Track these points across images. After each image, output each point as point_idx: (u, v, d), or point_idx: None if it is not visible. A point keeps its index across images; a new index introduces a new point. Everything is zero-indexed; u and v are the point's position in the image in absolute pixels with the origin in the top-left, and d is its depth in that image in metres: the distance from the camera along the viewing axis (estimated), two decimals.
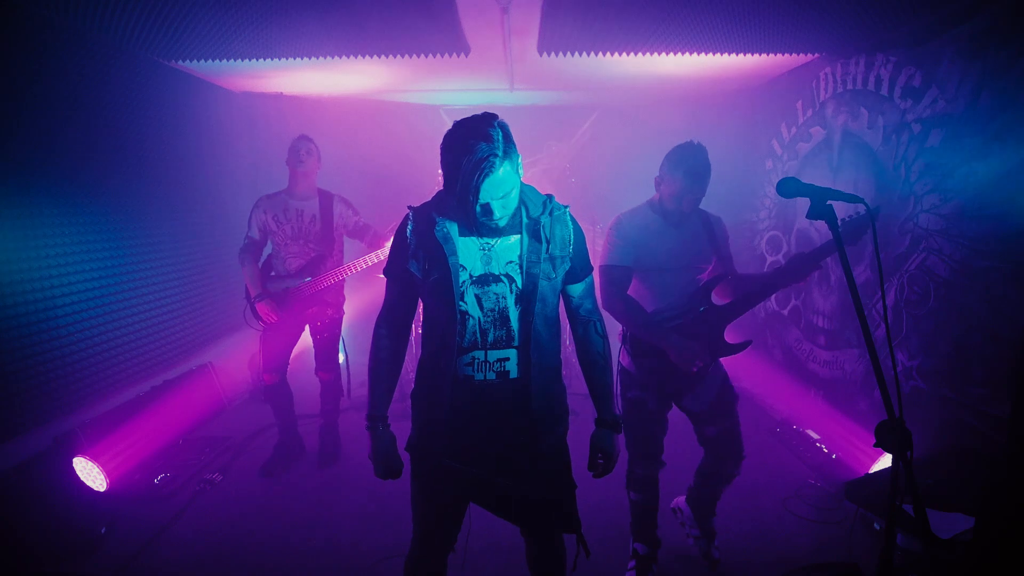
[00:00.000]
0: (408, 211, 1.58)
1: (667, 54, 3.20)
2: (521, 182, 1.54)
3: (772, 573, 2.35)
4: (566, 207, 1.60)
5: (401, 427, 1.67)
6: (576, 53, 3.21)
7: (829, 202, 1.37)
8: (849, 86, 3.19)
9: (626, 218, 2.19)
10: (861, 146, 3.11)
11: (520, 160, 1.46)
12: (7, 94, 2.53)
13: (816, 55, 3.39)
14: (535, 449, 1.55)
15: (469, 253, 1.50)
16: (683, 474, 2.48)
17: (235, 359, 4.41)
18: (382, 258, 3.08)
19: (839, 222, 1.43)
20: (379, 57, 3.28)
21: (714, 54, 3.19)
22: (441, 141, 1.42)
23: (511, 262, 1.51)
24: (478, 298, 1.49)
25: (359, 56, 3.27)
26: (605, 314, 1.91)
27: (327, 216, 3.18)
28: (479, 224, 1.47)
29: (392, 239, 1.63)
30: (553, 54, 3.25)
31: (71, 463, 2.70)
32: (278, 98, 4.74)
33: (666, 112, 5.20)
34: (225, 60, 3.23)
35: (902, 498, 1.32)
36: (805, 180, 1.42)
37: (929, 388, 2.66)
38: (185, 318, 3.88)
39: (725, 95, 4.63)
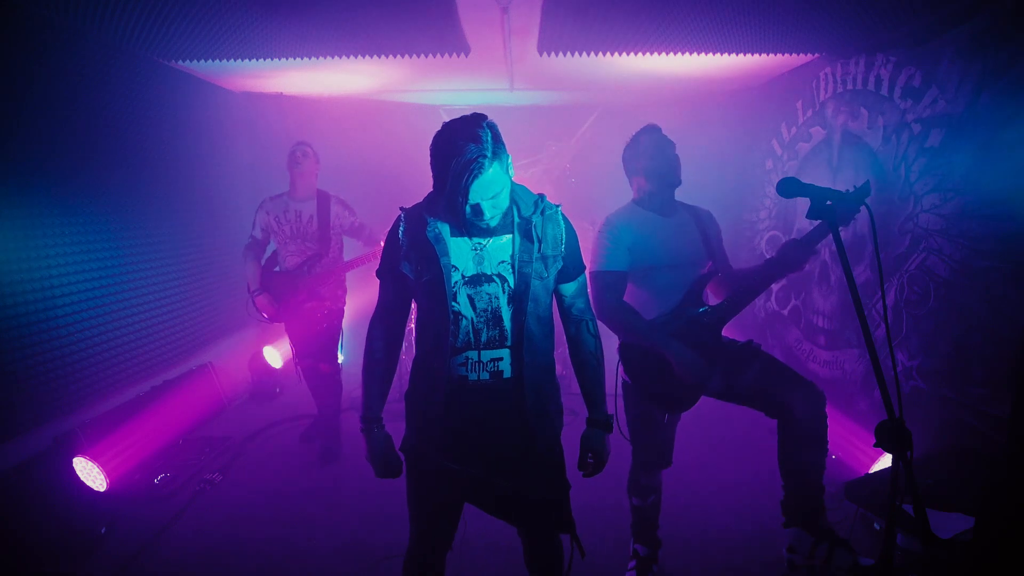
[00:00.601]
0: (400, 212, 1.58)
1: (667, 54, 3.19)
2: (512, 182, 1.54)
3: (772, 573, 2.35)
4: (558, 206, 1.60)
5: (397, 427, 1.67)
6: (576, 53, 3.21)
7: (829, 202, 1.37)
8: (849, 86, 3.19)
9: (616, 218, 2.13)
10: (861, 146, 3.10)
11: (510, 161, 1.46)
12: (7, 94, 2.53)
13: (816, 55, 3.39)
14: (529, 449, 1.55)
15: (461, 253, 1.50)
16: (683, 475, 2.48)
17: (235, 359, 4.41)
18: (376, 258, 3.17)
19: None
20: (379, 57, 3.28)
21: (714, 54, 3.19)
22: (430, 142, 1.42)
23: (503, 262, 1.51)
24: (471, 298, 1.49)
25: (359, 56, 3.27)
26: (600, 324, 1.86)
27: (324, 216, 3.32)
28: (469, 225, 1.48)
29: (385, 240, 1.64)
30: (553, 54, 3.25)
31: (71, 463, 2.70)
32: (278, 98, 4.74)
33: (666, 112, 5.19)
34: (225, 60, 3.23)
35: (902, 498, 1.32)
36: (805, 180, 1.42)
37: (929, 388, 2.66)
38: (185, 318, 3.88)
39: (725, 95, 4.62)
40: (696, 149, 3.07)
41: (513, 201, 1.53)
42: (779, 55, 3.31)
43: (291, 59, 3.27)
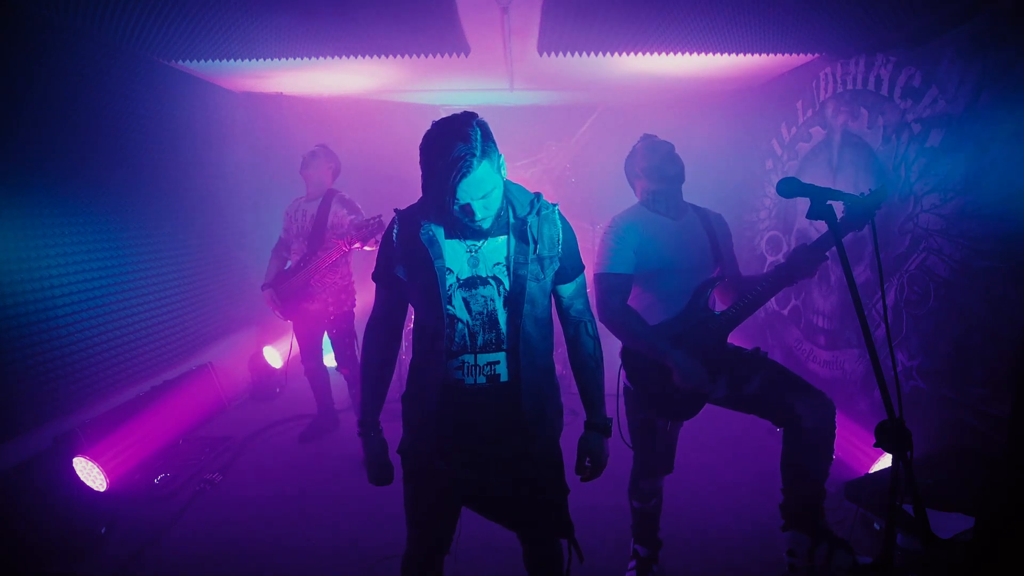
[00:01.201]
0: (394, 214, 1.56)
1: (667, 54, 3.20)
2: (508, 181, 1.51)
3: (772, 574, 2.35)
4: (554, 205, 1.56)
5: (394, 427, 1.67)
6: (576, 53, 3.21)
7: (829, 202, 1.37)
8: (849, 86, 3.19)
9: (621, 219, 2.09)
10: (861, 146, 3.11)
11: (503, 160, 1.43)
12: (7, 94, 2.53)
13: (816, 55, 3.39)
14: (527, 452, 1.53)
15: (456, 256, 1.47)
16: (683, 475, 2.48)
17: (235, 359, 4.41)
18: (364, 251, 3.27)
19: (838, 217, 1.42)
20: (379, 57, 3.28)
21: (714, 54, 3.19)
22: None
23: (498, 264, 1.48)
24: (466, 301, 1.46)
25: (359, 56, 3.27)
26: (602, 328, 1.82)
27: (321, 216, 3.35)
28: (460, 226, 1.44)
29: (380, 243, 1.62)
30: (553, 54, 3.25)
31: (71, 463, 2.70)
32: (278, 98, 4.74)
33: (666, 112, 5.20)
34: (225, 60, 3.23)
35: (902, 498, 1.32)
36: (805, 180, 1.42)
37: (929, 388, 2.66)
38: (185, 318, 3.88)
39: (725, 95, 4.62)
40: (696, 149, 3.06)
41: (508, 201, 1.51)
42: (779, 55, 3.31)
43: (291, 59, 3.27)
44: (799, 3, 2.51)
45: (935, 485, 2.17)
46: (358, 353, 3.58)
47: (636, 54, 3.21)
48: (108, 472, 2.86)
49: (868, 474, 2.61)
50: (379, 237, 2.95)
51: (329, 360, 4.57)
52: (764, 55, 3.26)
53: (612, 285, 2.02)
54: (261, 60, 3.24)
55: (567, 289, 1.61)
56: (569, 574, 1.68)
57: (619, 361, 2.13)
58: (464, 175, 1.32)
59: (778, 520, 2.16)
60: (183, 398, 3.69)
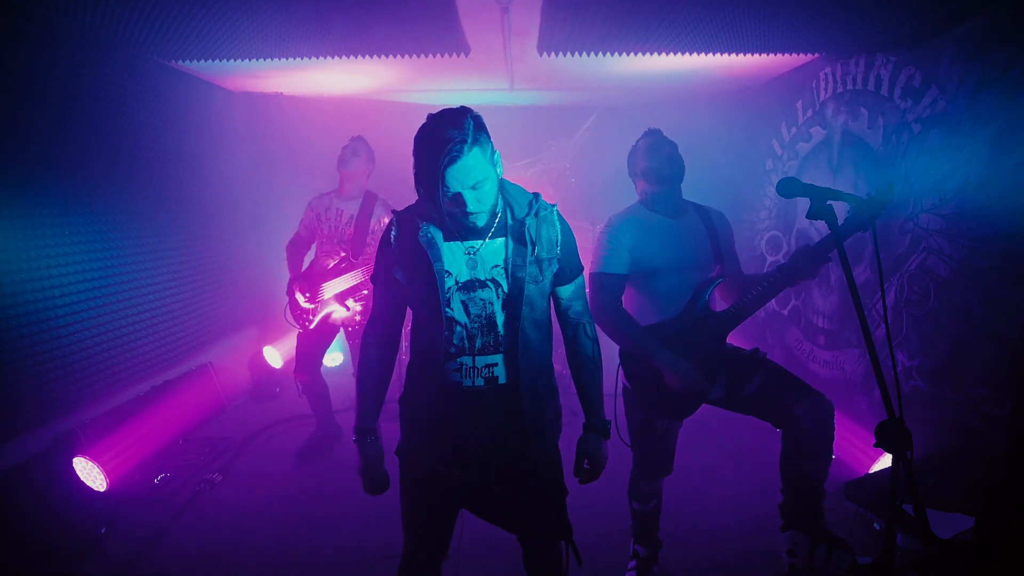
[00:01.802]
0: (392, 215, 1.55)
1: (667, 54, 3.19)
2: (506, 182, 1.51)
3: (772, 573, 2.35)
4: (553, 206, 1.55)
5: (392, 428, 1.66)
6: (576, 53, 3.21)
7: (829, 202, 1.37)
8: (849, 86, 3.19)
9: (618, 219, 2.09)
10: (861, 146, 3.10)
11: (498, 157, 1.42)
12: (6, 93, 2.53)
13: (816, 55, 3.39)
14: (525, 454, 1.52)
15: (454, 258, 1.47)
16: (683, 475, 2.48)
17: (235, 359, 4.41)
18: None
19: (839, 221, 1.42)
20: (379, 57, 3.28)
21: (714, 54, 3.19)
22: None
23: (496, 266, 1.47)
24: (464, 304, 1.46)
25: (359, 56, 3.27)
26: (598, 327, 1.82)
27: (363, 219, 3.16)
28: (456, 225, 1.43)
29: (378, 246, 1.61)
30: (553, 54, 3.25)
31: (71, 463, 2.70)
32: (278, 98, 4.74)
33: (666, 112, 5.20)
34: (225, 60, 3.22)
35: (902, 498, 1.32)
36: (805, 180, 1.42)
37: (929, 388, 2.66)
38: (185, 318, 3.88)
39: (725, 95, 4.62)
40: (696, 149, 3.05)
41: (506, 203, 1.50)
42: (779, 55, 3.31)
43: (291, 59, 3.27)
44: (799, 3, 2.51)
45: (935, 485, 2.17)
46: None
47: (636, 54, 3.20)
48: (108, 472, 2.86)
49: (868, 474, 2.62)
50: None
51: (329, 360, 4.58)
52: (764, 55, 3.26)
53: (604, 284, 2.03)
54: (261, 60, 3.23)
55: (566, 291, 1.60)
56: (568, 574, 1.68)
57: (618, 361, 2.13)
58: (453, 159, 1.31)
59: (778, 520, 2.16)
60: (183, 398, 3.69)
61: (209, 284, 4.18)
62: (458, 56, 3.30)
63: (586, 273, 1.89)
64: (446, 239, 1.48)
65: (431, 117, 1.38)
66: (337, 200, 3.24)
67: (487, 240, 1.48)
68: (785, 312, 3.95)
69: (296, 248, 3.34)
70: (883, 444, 1.26)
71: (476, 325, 1.47)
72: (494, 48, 3.41)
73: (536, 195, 1.55)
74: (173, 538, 2.67)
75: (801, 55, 3.39)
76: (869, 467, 2.81)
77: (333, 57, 3.28)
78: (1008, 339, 2.25)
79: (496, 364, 1.49)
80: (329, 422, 3.52)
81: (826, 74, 3.40)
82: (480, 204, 1.39)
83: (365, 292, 3.24)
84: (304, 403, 3.59)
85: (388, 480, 1.61)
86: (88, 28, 2.77)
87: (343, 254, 3.19)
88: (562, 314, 1.65)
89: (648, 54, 3.20)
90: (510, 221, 1.49)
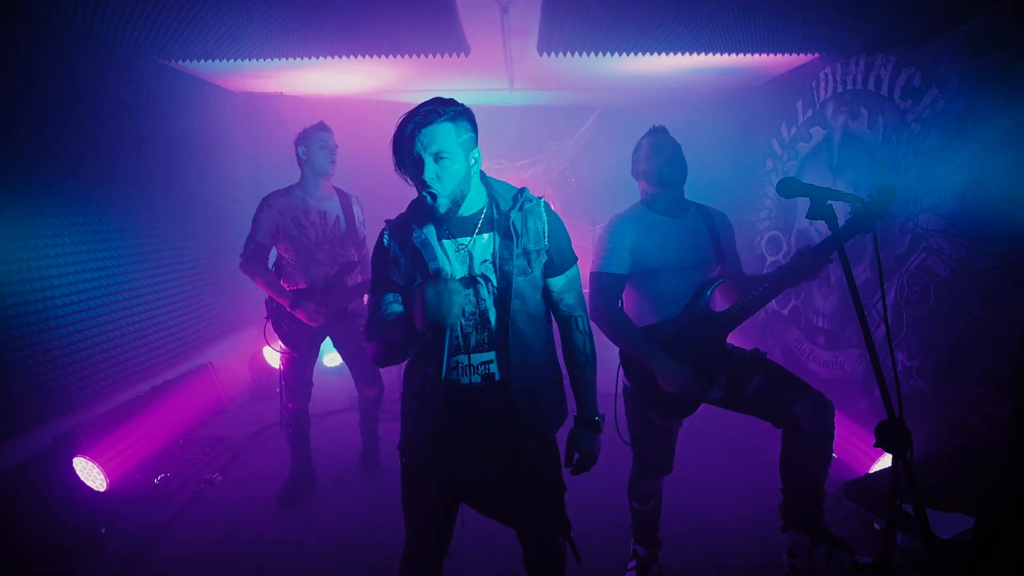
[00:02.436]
0: (384, 224, 1.58)
1: (667, 54, 3.20)
2: (492, 179, 1.54)
3: (772, 573, 2.35)
4: (540, 199, 1.56)
5: (394, 428, 1.67)
6: (576, 53, 3.21)
7: (829, 202, 1.37)
8: (849, 86, 3.19)
9: (619, 219, 2.09)
10: (861, 146, 3.11)
11: (477, 153, 1.46)
12: (6, 93, 2.53)
13: (816, 55, 3.39)
14: (522, 449, 1.53)
15: (448, 256, 1.49)
16: (683, 475, 2.48)
17: (235, 359, 4.41)
18: None
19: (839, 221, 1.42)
20: (379, 57, 3.28)
21: (714, 54, 3.19)
22: None
23: (485, 261, 1.49)
24: None
25: (359, 56, 3.27)
26: (593, 326, 1.81)
27: (349, 216, 2.95)
28: (439, 216, 1.44)
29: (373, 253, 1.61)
30: (553, 54, 3.25)
31: (71, 463, 2.70)
32: (278, 98, 4.74)
33: (666, 112, 5.18)
34: (225, 60, 3.22)
35: (902, 498, 1.32)
36: (805, 180, 1.42)
37: (929, 388, 2.66)
38: (185, 318, 3.88)
39: (725, 95, 4.62)
40: (696, 149, 3.05)
41: (491, 198, 1.52)
42: (779, 55, 3.31)
43: (291, 59, 3.27)
44: (799, 3, 2.51)
45: (935, 485, 2.17)
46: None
47: (636, 54, 3.20)
48: (108, 472, 2.86)
49: (868, 474, 2.61)
50: None
51: (328, 360, 4.56)
52: (764, 55, 3.26)
53: (603, 284, 2.03)
54: (261, 60, 3.23)
55: (557, 283, 1.60)
56: (565, 574, 1.68)
57: (618, 361, 2.13)
58: (419, 124, 1.37)
59: (778, 520, 2.16)
60: (183, 398, 3.69)
61: (209, 284, 4.17)
62: (458, 56, 3.30)
63: (587, 272, 1.89)
64: (439, 238, 1.50)
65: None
66: (313, 200, 2.87)
67: (475, 236, 1.50)
68: (785, 312, 3.95)
69: (264, 262, 2.85)
70: (883, 444, 1.26)
71: (470, 323, 1.48)
72: (494, 48, 3.41)
73: (523, 189, 1.56)
74: (173, 538, 2.67)
75: (801, 55, 3.40)
76: (869, 467, 2.81)
77: (333, 57, 3.28)
78: (1008, 339, 2.25)
79: (491, 361, 1.50)
80: (307, 463, 3.09)
81: (826, 74, 3.40)
82: (439, 182, 1.40)
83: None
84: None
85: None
86: (88, 28, 2.77)
87: (343, 259, 2.91)
88: (554, 306, 1.63)
89: (648, 54, 3.20)
90: (496, 215, 1.50)
